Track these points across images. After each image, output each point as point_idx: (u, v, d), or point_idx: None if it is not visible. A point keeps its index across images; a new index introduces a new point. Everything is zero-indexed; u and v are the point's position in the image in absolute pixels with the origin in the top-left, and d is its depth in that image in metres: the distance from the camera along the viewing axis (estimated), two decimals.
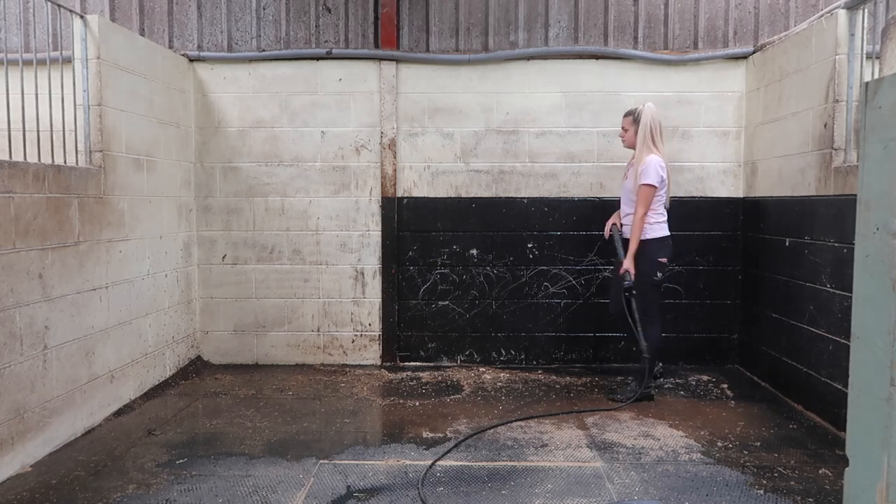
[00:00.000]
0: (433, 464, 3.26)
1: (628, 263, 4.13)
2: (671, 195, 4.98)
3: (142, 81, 4.37)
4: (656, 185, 4.06)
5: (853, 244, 1.67)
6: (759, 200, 4.76)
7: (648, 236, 4.13)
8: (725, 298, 5.10)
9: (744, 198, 5.02)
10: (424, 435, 3.68)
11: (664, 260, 4.17)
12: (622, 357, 5.10)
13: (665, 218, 4.22)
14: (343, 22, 5.15)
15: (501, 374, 4.90)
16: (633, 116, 4.21)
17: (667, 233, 4.20)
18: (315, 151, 5.11)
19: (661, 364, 4.51)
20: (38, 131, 3.53)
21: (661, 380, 4.59)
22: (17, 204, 3.18)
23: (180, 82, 4.92)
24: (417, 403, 4.24)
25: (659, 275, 4.16)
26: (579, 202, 5.06)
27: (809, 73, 4.08)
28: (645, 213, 4.09)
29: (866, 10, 3.72)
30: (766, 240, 4.65)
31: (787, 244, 4.31)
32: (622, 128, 4.31)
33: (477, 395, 4.41)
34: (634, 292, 4.14)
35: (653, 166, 4.05)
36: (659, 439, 3.62)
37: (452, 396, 4.39)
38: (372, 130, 5.09)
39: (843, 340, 3.63)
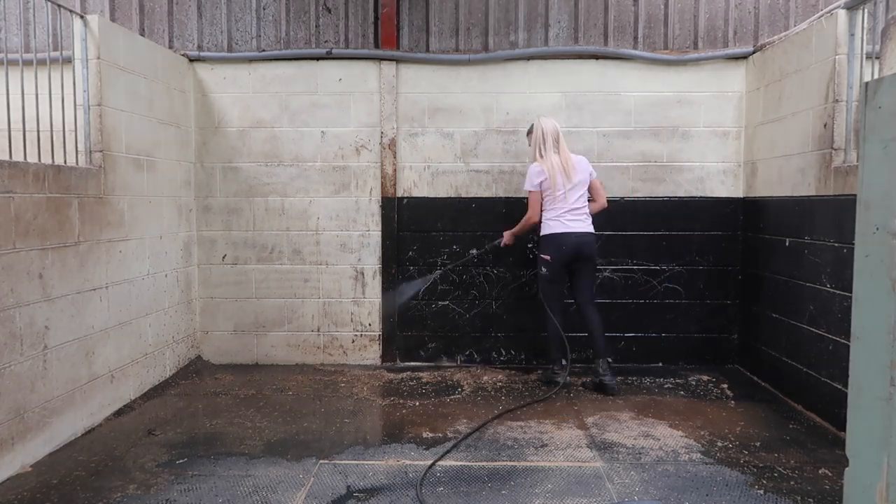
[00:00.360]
0: (433, 464, 3.26)
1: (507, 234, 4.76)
2: (672, 195, 5.03)
3: (142, 81, 4.37)
4: (531, 189, 4.44)
5: (853, 244, 1.67)
6: (759, 200, 4.76)
7: (540, 234, 4.49)
8: (725, 298, 5.10)
9: (744, 198, 5.02)
10: (424, 435, 3.68)
11: (546, 257, 4.43)
12: (622, 357, 5.11)
13: (555, 215, 4.39)
14: (343, 22, 5.15)
15: (501, 375, 4.90)
16: (528, 130, 4.63)
17: (556, 231, 4.37)
18: (315, 151, 5.11)
19: (565, 362, 4.51)
20: (38, 131, 3.52)
21: (561, 377, 4.47)
22: (18, 204, 3.18)
23: (180, 82, 4.92)
24: (417, 403, 4.24)
25: (543, 270, 4.48)
26: None
27: (809, 73, 4.08)
28: (529, 215, 4.49)
29: (866, 11, 3.72)
30: (765, 240, 4.65)
31: (786, 244, 4.32)
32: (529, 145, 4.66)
33: (477, 395, 4.41)
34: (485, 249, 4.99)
35: (528, 175, 4.47)
36: (659, 439, 3.62)
37: (452, 396, 4.39)
38: (372, 130, 5.09)
39: (843, 340, 3.63)
